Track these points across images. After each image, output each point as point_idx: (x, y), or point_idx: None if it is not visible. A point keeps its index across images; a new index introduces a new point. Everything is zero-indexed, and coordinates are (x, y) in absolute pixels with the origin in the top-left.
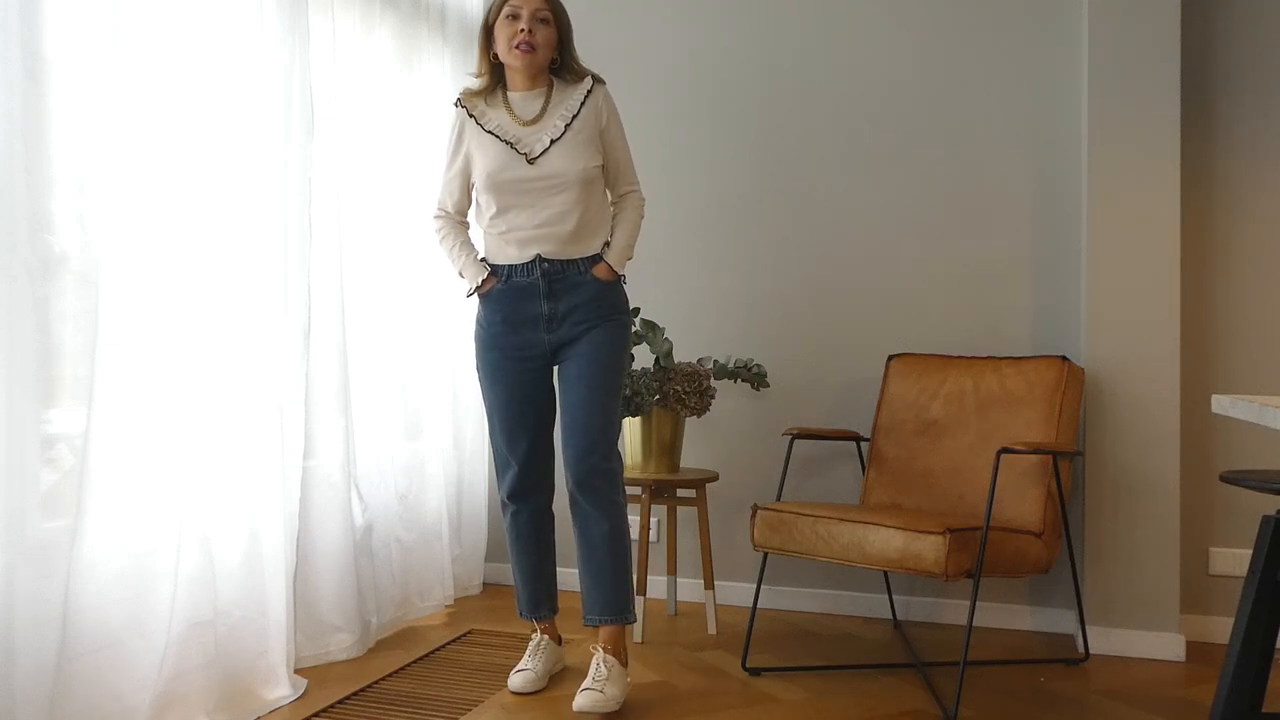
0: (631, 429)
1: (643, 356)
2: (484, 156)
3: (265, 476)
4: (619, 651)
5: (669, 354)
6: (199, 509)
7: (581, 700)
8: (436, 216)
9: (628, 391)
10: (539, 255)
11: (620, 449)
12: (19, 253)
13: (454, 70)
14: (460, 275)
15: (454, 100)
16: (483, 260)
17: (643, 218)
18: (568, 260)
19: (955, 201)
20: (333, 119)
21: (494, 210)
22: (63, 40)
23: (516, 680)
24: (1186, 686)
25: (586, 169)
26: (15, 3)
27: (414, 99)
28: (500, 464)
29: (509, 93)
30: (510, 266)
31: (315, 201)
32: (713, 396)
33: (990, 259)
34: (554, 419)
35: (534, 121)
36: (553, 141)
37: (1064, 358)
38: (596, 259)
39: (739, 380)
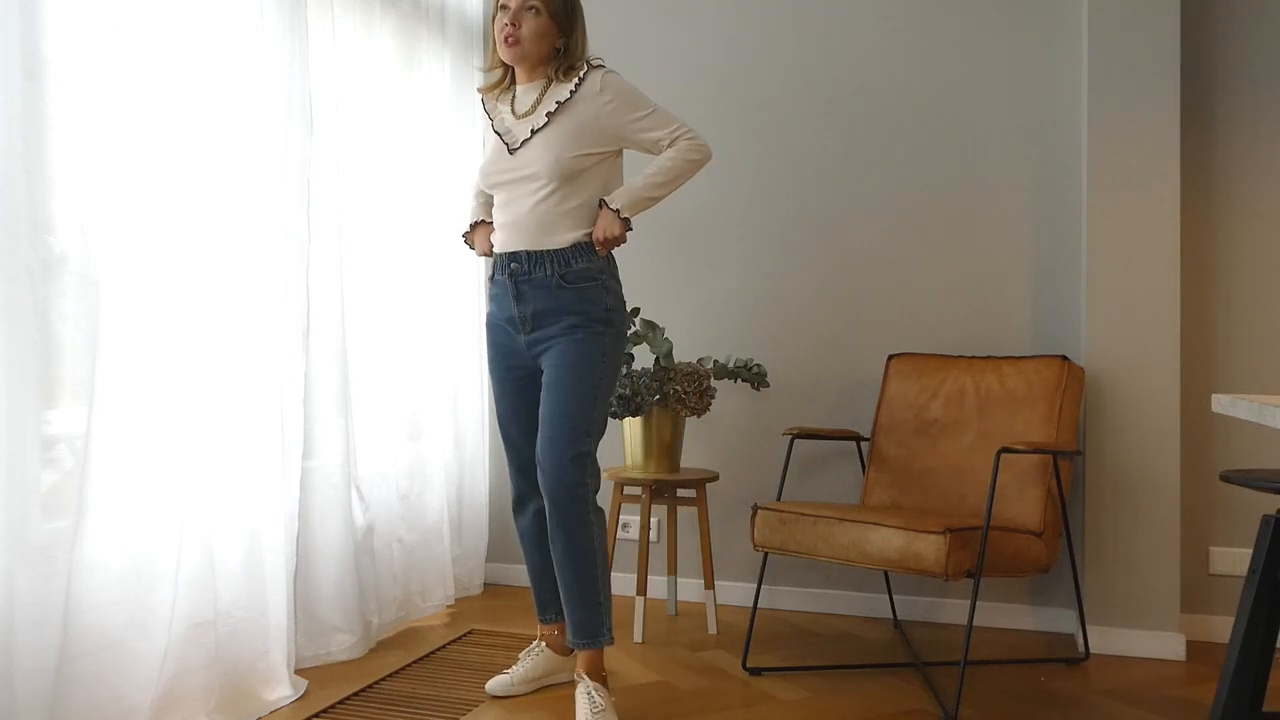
0: (631, 429)
1: (643, 356)
2: (486, 150)
3: (265, 477)
4: (595, 673)
5: (669, 354)
6: (199, 509)
7: None
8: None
9: (627, 391)
10: (509, 253)
11: (598, 458)
12: (19, 253)
13: (454, 70)
14: None
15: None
16: (485, 224)
17: (695, 161)
18: (537, 257)
19: (955, 202)
20: (333, 119)
21: (494, 203)
22: (63, 40)
23: (492, 681)
24: (1187, 686)
25: (561, 159)
26: (15, 3)
27: (414, 99)
28: (508, 462)
29: (515, 85)
30: (495, 260)
31: (315, 202)
32: (713, 396)
33: (990, 259)
34: None
35: (527, 114)
36: (534, 131)
37: (1064, 357)
38: (580, 250)
39: (739, 380)
